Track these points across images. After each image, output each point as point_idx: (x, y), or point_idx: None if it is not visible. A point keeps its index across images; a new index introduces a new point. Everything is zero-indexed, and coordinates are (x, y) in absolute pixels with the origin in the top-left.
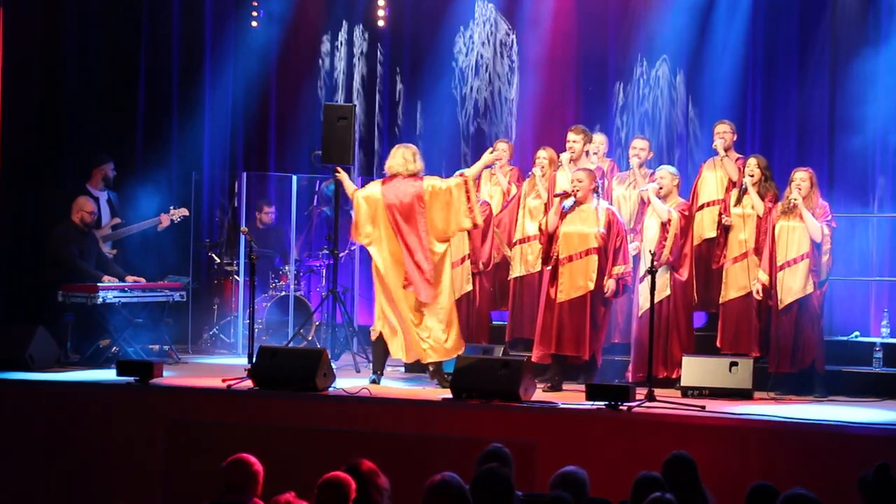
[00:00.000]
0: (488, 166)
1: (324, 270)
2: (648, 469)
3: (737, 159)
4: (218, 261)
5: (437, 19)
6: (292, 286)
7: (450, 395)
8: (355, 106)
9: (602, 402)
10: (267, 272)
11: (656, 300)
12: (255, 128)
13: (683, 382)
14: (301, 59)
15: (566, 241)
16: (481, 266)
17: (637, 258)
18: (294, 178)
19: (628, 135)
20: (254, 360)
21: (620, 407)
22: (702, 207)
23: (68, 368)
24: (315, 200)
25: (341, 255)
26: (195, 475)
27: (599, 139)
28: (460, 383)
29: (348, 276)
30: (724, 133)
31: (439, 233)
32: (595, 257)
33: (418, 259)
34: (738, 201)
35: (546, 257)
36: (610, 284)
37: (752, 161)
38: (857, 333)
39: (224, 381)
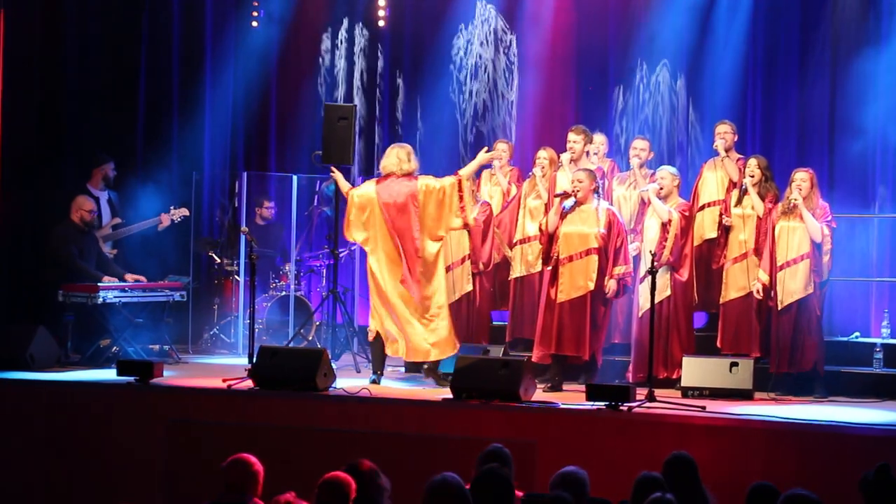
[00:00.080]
0: (487, 166)
1: (324, 270)
2: (649, 469)
3: (737, 160)
4: (218, 261)
5: (438, 19)
6: (293, 286)
7: (450, 395)
8: (356, 106)
9: (602, 403)
10: (267, 272)
11: (657, 300)
12: (256, 127)
13: (684, 383)
14: (301, 59)
15: (566, 242)
16: (481, 266)
17: (637, 258)
18: (294, 177)
19: (628, 140)
20: (254, 360)
21: (621, 407)
22: (702, 208)
23: (69, 368)
24: (315, 200)
25: (341, 254)
26: (195, 475)
27: (600, 139)
28: (460, 383)
29: (348, 276)
30: (724, 133)
31: (432, 232)
32: (595, 257)
33: (412, 258)
34: (739, 202)
35: (546, 257)
36: (611, 285)
37: (753, 161)
38: (857, 334)
39: (224, 381)
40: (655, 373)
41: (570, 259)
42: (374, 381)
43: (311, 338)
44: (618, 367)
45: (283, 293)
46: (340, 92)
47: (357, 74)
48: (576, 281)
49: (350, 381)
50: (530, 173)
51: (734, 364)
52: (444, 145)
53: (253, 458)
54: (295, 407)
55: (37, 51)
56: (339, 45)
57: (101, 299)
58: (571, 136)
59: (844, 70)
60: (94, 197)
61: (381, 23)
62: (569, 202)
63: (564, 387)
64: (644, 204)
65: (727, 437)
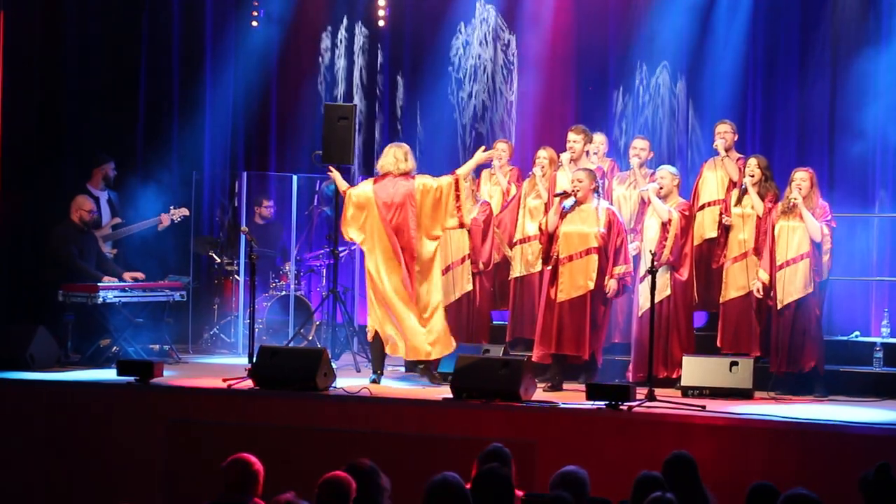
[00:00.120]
0: (487, 165)
1: (324, 270)
2: (649, 469)
3: (737, 159)
4: (218, 260)
5: (438, 19)
6: (293, 286)
7: (450, 395)
8: (356, 106)
9: (602, 402)
10: (267, 272)
11: (657, 300)
12: (256, 127)
13: (684, 382)
14: (301, 59)
15: (566, 241)
16: (481, 266)
17: (637, 258)
18: (294, 177)
19: (627, 144)
20: (254, 359)
21: (621, 407)
22: (702, 207)
23: (69, 368)
24: (315, 200)
25: (342, 254)
26: (195, 475)
27: (599, 139)
28: (461, 383)
29: (349, 276)
30: (724, 133)
31: (428, 231)
32: (595, 257)
33: (409, 257)
34: (739, 201)
35: (546, 257)
36: (611, 285)
37: (753, 161)
38: (857, 333)
39: (224, 380)
40: (655, 372)
41: (570, 259)
42: (374, 381)
43: (311, 337)
44: (618, 367)
45: (284, 293)
46: (340, 91)
47: (357, 74)
48: (576, 280)
49: (350, 380)
50: (530, 173)
51: (734, 363)
52: (444, 145)
53: (253, 458)
54: (295, 407)
55: (37, 51)
56: (339, 44)
57: (101, 299)
58: (571, 136)
59: (844, 70)
60: (95, 197)
61: (381, 22)
62: (569, 202)
63: (564, 386)
64: (644, 203)
65: (727, 436)
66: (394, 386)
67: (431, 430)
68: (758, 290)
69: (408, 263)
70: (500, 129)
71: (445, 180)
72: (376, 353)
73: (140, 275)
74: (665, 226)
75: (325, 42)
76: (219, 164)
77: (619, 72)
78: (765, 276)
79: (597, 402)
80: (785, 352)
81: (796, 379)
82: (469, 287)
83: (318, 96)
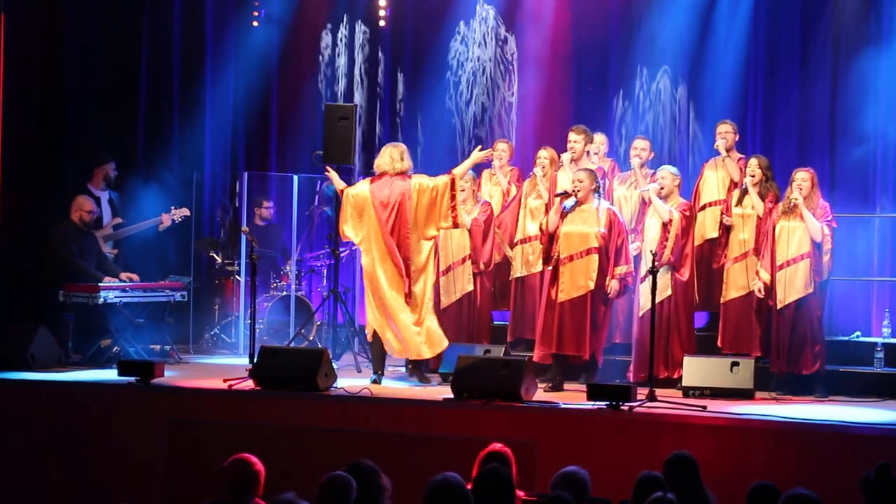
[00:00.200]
0: (487, 166)
1: (325, 270)
2: (650, 469)
3: (738, 159)
4: (219, 261)
5: (438, 19)
6: (293, 286)
7: (451, 395)
8: (356, 106)
9: (603, 402)
10: (268, 272)
11: (657, 300)
12: (257, 127)
13: (685, 382)
14: (302, 59)
15: (567, 241)
16: (482, 266)
17: (638, 258)
18: (295, 177)
19: (627, 151)
20: (255, 360)
21: (622, 407)
22: (703, 208)
23: (69, 368)
24: (316, 200)
25: (342, 254)
26: (196, 475)
27: (600, 139)
28: (461, 383)
29: (349, 276)
30: (725, 133)
31: (424, 230)
32: (595, 257)
33: (405, 257)
34: (739, 201)
35: (546, 257)
36: (613, 285)
37: (754, 161)
38: (858, 333)
39: (225, 381)
40: (656, 372)
41: (571, 259)
42: (374, 381)
43: (311, 338)
44: (618, 367)
45: (284, 293)
46: (340, 91)
47: (357, 74)
48: (576, 280)
49: (351, 380)
50: (531, 173)
51: (735, 364)
52: (444, 144)
53: (254, 458)
54: (296, 407)
55: (37, 51)
56: (340, 43)
57: (101, 299)
58: (572, 136)
59: (845, 70)
60: (95, 197)
61: (382, 22)
62: (569, 202)
63: (565, 387)
64: (645, 204)
65: (728, 436)
66: (394, 386)
67: (432, 430)
68: (759, 291)
69: (404, 263)
70: (501, 129)
71: (441, 180)
72: (376, 353)
73: (135, 276)
74: (666, 226)
75: (326, 42)
76: (219, 164)
77: (619, 75)
78: (766, 277)
79: (597, 403)
80: (785, 352)
81: (797, 379)
82: (470, 287)
83: (318, 96)
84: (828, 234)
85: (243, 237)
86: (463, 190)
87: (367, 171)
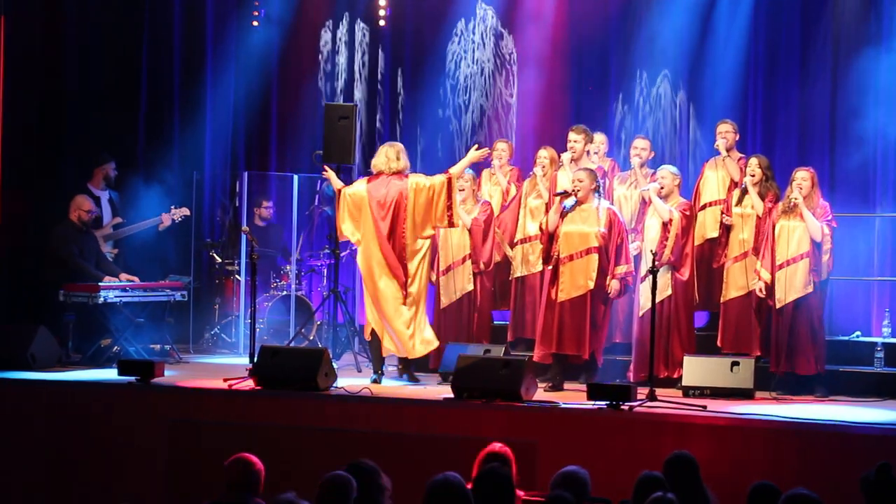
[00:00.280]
0: (487, 165)
1: (325, 270)
2: (650, 469)
3: (739, 159)
4: (219, 260)
5: (439, 18)
6: (294, 286)
7: (451, 395)
8: (356, 105)
9: (603, 402)
10: (268, 272)
11: (658, 300)
12: (257, 127)
13: (685, 382)
14: (302, 59)
15: (567, 241)
16: (482, 266)
17: (638, 258)
18: (295, 177)
19: (627, 157)
20: (255, 359)
21: (622, 406)
22: (704, 207)
23: (69, 368)
24: (316, 200)
25: (342, 254)
26: (197, 475)
27: (600, 139)
28: (461, 383)
29: (349, 276)
30: (726, 133)
31: (420, 230)
32: (595, 256)
33: (401, 256)
34: (739, 201)
35: (546, 257)
36: (614, 285)
37: (754, 161)
38: (858, 333)
39: (225, 380)
40: (656, 372)
41: (571, 258)
42: (375, 381)
43: (312, 337)
44: (619, 367)
45: (284, 293)
46: (340, 87)
47: (357, 73)
48: (576, 280)
49: (351, 380)
50: (531, 173)
51: (735, 363)
52: (444, 143)
53: (254, 458)
54: (296, 406)
55: (37, 51)
56: (339, 42)
57: (102, 299)
58: (572, 136)
59: (845, 70)
60: (95, 197)
61: (382, 22)
62: (569, 201)
63: (565, 386)
64: (645, 203)
65: (728, 436)
66: (395, 386)
67: (432, 429)
68: (760, 290)
69: (400, 262)
70: (500, 129)
71: (438, 179)
72: (376, 353)
73: (134, 277)
74: (666, 225)
75: (326, 42)
76: (219, 163)
77: (619, 74)
78: (767, 276)
79: (598, 402)
80: (784, 351)
81: (797, 379)
82: (470, 287)
83: (318, 96)
84: (827, 234)
85: (243, 237)
86: (462, 189)
87: (367, 171)
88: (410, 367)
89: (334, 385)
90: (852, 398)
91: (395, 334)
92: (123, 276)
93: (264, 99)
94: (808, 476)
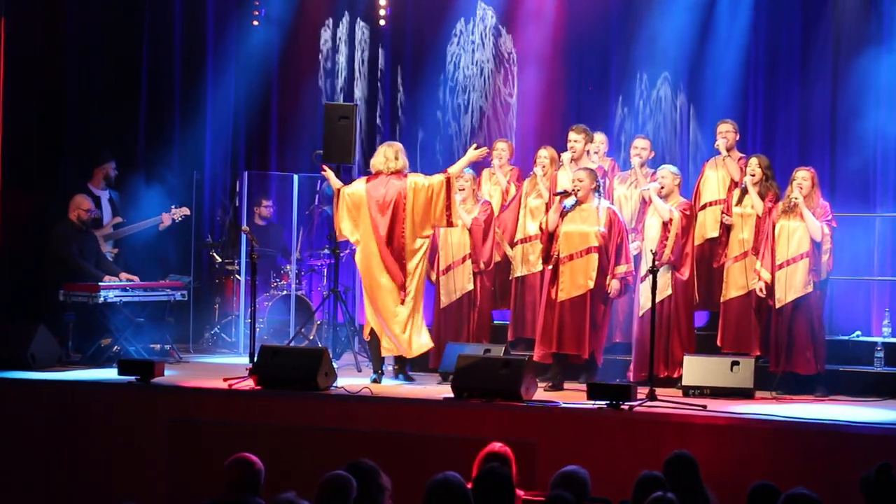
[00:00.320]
0: (487, 165)
1: (325, 269)
2: (650, 468)
3: (739, 159)
4: (219, 260)
5: (439, 18)
6: (294, 285)
7: (451, 395)
8: (356, 105)
9: (603, 402)
10: (268, 271)
11: (658, 300)
12: (257, 127)
13: (685, 382)
14: (302, 58)
15: (567, 240)
16: (482, 265)
17: (638, 258)
18: (295, 177)
19: (627, 161)
20: (255, 359)
21: (622, 406)
22: (704, 207)
23: (69, 367)
24: (316, 199)
25: (342, 254)
26: (196, 474)
27: (600, 139)
28: (462, 382)
29: (350, 276)
30: (726, 133)
31: (418, 229)
32: (595, 256)
33: (399, 255)
34: (740, 201)
35: (546, 256)
36: (614, 285)
37: (754, 161)
38: (858, 333)
39: (225, 380)
40: (656, 372)
41: (571, 258)
42: (374, 381)
43: (312, 337)
44: (619, 367)
45: (284, 292)
46: (340, 85)
47: (357, 73)
48: (576, 279)
49: (351, 380)
50: (531, 172)
51: (735, 363)
52: (444, 143)
53: (254, 458)
54: (296, 406)
55: (38, 51)
56: (340, 41)
57: (102, 299)
58: (572, 136)
59: (846, 70)
60: (95, 196)
61: (382, 21)
62: (569, 201)
63: (565, 386)
64: (645, 203)
65: (728, 436)
66: (394, 385)
67: (432, 429)
68: (760, 290)
69: (398, 262)
70: (500, 129)
71: (437, 179)
72: (375, 353)
73: (134, 278)
74: (666, 225)
75: (326, 41)
76: (220, 163)
77: (619, 74)
78: (767, 276)
79: (598, 402)
80: (784, 351)
81: (797, 379)
82: (470, 286)
83: (318, 96)
84: (827, 234)
85: (244, 237)
86: (463, 189)
87: (367, 171)
88: (406, 367)
89: (334, 385)
90: (852, 398)
91: (391, 334)
92: (123, 275)
93: (264, 98)
94: (808, 476)
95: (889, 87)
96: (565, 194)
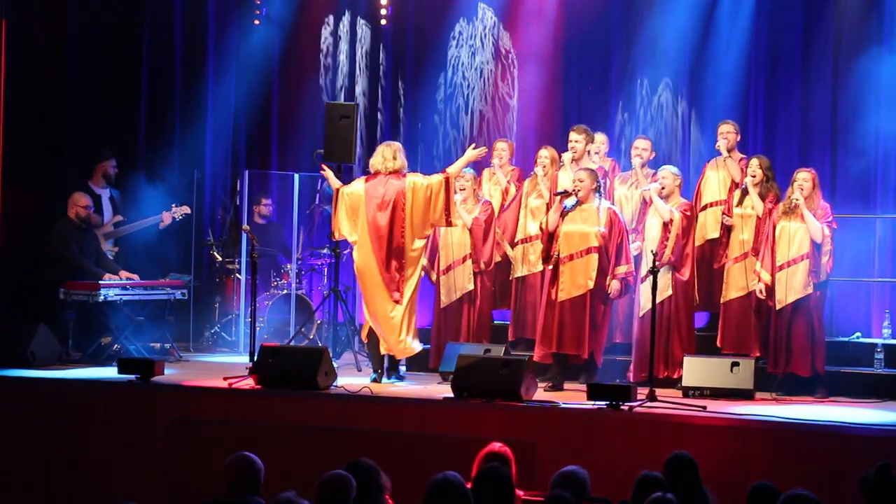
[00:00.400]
0: (487, 165)
1: (325, 269)
2: (649, 469)
3: (740, 160)
4: (220, 259)
5: (440, 18)
6: (294, 284)
7: (451, 395)
8: (357, 104)
9: (603, 402)
10: (269, 270)
11: (658, 300)
12: (258, 126)
13: (685, 382)
14: (303, 58)
15: (567, 240)
16: (482, 265)
17: (639, 258)
18: (296, 176)
19: (627, 167)
20: (255, 358)
21: (622, 407)
22: (705, 208)
23: (70, 366)
24: (317, 199)
25: (343, 253)
26: (196, 473)
27: (601, 139)
28: (462, 382)
29: (350, 275)
30: (727, 133)
31: (417, 229)
32: (595, 256)
33: (397, 255)
34: (740, 202)
35: (546, 256)
36: (614, 285)
37: (755, 161)
38: (858, 334)
39: (225, 379)
40: (656, 372)
41: (571, 258)
42: (374, 380)
43: (312, 336)
44: (619, 367)
45: (285, 292)
46: (341, 86)
47: (358, 72)
48: (576, 280)
49: (351, 379)
50: (532, 172)
51: (735, 364)
52: (444, 143)
53: (254, 457)
54: (296, 405)
55: (38, 51)
56: (340, 41)
57: (102, 297)
58: (573, 136)
59: (847, 71)
60: (96, 195)
61: (383, 21)
62: (570, 201)
63: (565, 386)
64: (646, 203)
65: (728, 436)
66: (395, 385)
67: (432, 429)
68: (760, 291)
69: (396, 262)
70: (501, 128)
71: (436, 179)
72: (375, 352)
73: (134, 276)
74: (667, 226)
75: (327, 40)
76: (220, 162)
77: (620, 75)
78: (767, 277)
79: (598, 402)
80: (784, 352)
81: (797, 380)
82: (470, 286)
83: (319, 95)
84: (828, 235)
85: (244, 236)
86: (463, 189)
87: (367, 170)
88: (397, 367)
89: (334, 384)
90: (852, 399)
91: (383, 334)
92: (124, 273)
93: (265, 97)
94: (808, 476)
95: (890, 88)
96: (566, 194)
